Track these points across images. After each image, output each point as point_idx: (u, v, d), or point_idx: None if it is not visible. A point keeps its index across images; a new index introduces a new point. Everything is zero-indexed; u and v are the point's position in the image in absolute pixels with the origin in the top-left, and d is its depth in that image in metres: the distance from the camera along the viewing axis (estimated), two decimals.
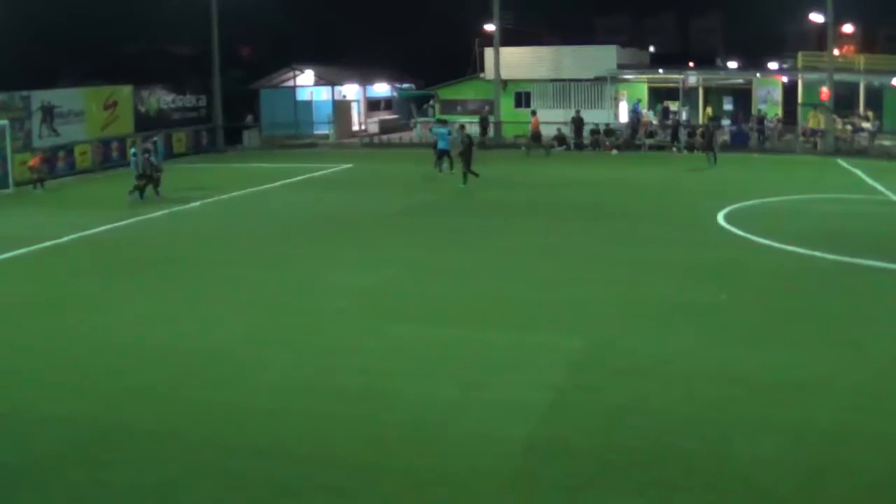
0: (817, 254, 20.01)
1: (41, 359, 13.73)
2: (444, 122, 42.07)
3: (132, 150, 32.98)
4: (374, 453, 10.12)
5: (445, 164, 36.54)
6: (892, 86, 49.90)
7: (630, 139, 47.66)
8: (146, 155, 31.09)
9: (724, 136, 47.74)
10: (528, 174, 37.58)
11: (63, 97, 41.19)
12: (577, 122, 48.07)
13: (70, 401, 11.90)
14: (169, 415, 11.35)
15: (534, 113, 47.72)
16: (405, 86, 66.31)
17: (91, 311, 16.46)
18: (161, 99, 48.67)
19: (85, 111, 42.03)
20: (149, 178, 30.43)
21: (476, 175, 32.60)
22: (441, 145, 36.66)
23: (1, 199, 32.16)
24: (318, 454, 10.19)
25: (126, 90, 45.66)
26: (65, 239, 23.62)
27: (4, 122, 35.77)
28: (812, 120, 48.28)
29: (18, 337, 14.95)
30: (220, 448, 10.37)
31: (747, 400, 11.39)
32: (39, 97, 39.41)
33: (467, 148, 33.61)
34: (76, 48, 61.40)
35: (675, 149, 45.61)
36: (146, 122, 46.08)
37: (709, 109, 52.33)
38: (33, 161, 34.97)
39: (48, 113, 39.59)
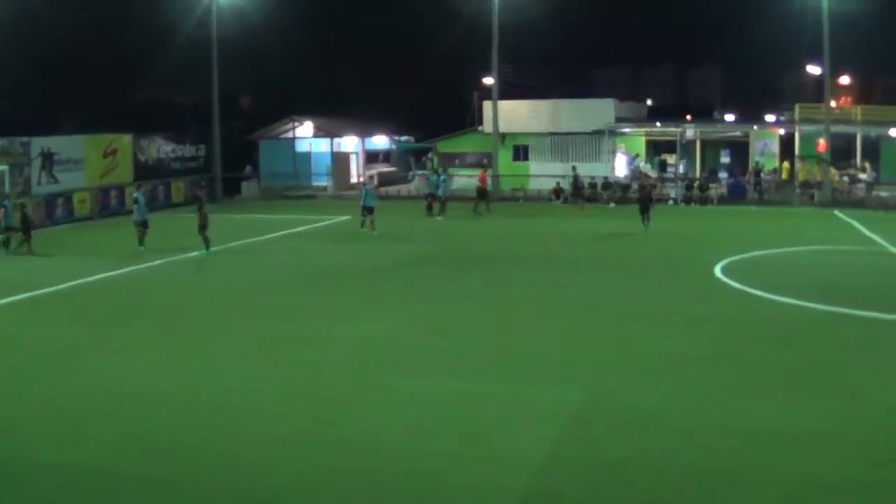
0: (815, 305, 20.01)
1: (40, 404, 13.70)
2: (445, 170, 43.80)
3: (3, 203, 31.78)
4: None
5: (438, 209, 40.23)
6: (889, 136, 50.20)
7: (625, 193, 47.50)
8: (25, 210, 31.11)
9: (721, 189, 48.00)
10: (524, 227, 37.72)
11: (63, 144, 41.43)
12: (576, 180, 48.37)
13: (68, 447, 11.86)
14: (167, 463, 11.29)
15: (482, 168, 47.61)
16: (404, 138, 66.60)
17: (90, 359, 16.41)
18: (160, 148, 48.89)
19: (85, 159, 42.22)
20: (26, 232, 29.97)
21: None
22: (439, 192, 40.90)
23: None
24: None
25: (126, 139, 45.90)
26: (63, 286, 23.63)
27: (4, 167, 35.85)
28: (801, 171, 48.49)
29: (17, 383, 14.92)
30: (218, 498, 10.33)
31: (747, 451, 11.34)
32: (39, 143, 39.59)
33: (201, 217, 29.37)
34: (77, 95, 61.79)
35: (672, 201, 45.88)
36: (145, 171, 46.35)
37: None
38: None
39: (48, 159, 39.75)
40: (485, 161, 52.46)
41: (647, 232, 33.72)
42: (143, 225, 30.72)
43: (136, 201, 31.71)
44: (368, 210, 35.26)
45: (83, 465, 11.25)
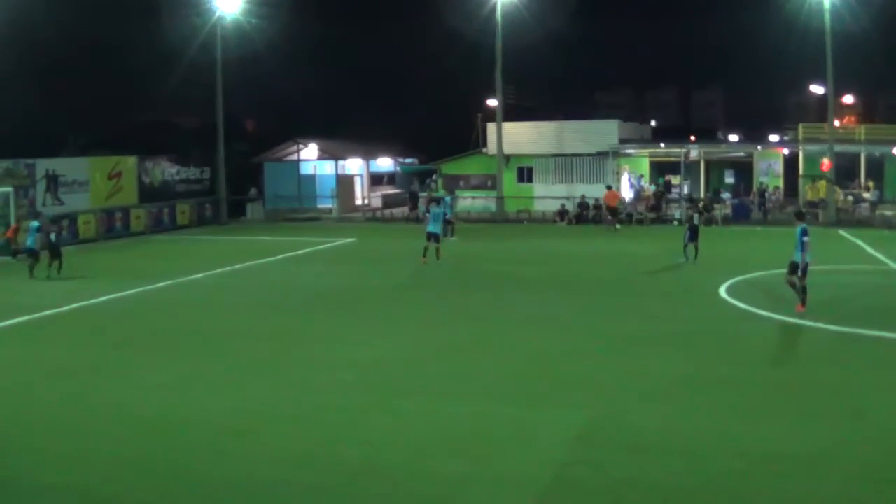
0: (820, 325, 19.97)
1: (43, 426, 13.66)
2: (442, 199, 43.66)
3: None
4: None
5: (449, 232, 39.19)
6: (893, 155, 50.20)
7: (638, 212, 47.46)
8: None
9: (725, 210, 48.00)
10: (527, 248, 37.68)
11: (68, 166, 41.64)
12: (583, 203, 48.59)
13: (70, 470, 11.82)
14: (169, 486, 11.24)
15: (609, 187, 47.05)
16: (408, 160, 66.68)
17: (93, 381, 16.37)
18: (165, 170, 49.08)
19: (89, 180, 42.37)
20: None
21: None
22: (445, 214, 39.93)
23: (3, 267, 32.21)
24: None
25: (131, 161, 46.11)
26: (66, 308, 23.64)
27: (9, 189, 35.92)
28: (811, 191, 48.45)
29: (19, 404, 14.89)
30: None
31: (751, 473, 11.27)
32: (44, 165, 39.72)
33: None
34: (82, 117, 62.00)
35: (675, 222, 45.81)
36: (150, 193, 46.56)
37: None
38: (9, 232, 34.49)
39: (53, 181, 39.86)
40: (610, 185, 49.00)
41: (695, 262, 30.66)
42: (35, 255, 29.64)
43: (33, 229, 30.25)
44: (434, 237, 31.47)
45: (85, 488, 11.20)
